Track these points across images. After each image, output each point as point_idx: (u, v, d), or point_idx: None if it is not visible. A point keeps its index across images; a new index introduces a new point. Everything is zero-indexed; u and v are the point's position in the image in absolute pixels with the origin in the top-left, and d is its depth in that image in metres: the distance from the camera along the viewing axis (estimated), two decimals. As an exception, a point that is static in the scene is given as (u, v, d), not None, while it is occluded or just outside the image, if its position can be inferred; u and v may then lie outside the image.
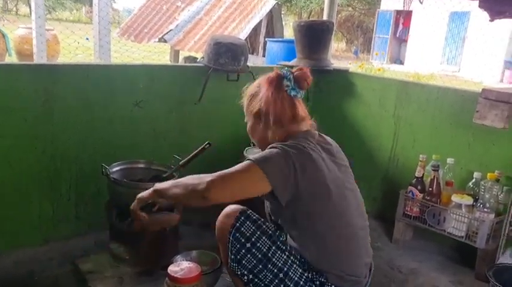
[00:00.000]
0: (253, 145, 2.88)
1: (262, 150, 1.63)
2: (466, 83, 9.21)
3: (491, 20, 2.34)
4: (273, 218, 1.73)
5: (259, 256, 1.57)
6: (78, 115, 2.48)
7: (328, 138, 1.74)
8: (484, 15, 2.36)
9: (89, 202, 2.61)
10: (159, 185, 1.72)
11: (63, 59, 9.11)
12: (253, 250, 1.57)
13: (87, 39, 8.69)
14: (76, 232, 2.60)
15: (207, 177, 1.51)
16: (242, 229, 1.59)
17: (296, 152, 1.54)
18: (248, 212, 1.63)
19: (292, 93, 1.64)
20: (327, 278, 1.58)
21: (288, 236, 1.71)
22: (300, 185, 1.52)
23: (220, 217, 1.66)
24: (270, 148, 1.58)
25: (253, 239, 1.57)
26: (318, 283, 1.59)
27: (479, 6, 2.26)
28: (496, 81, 13.96)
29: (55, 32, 9.06)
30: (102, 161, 2.39)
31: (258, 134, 1.72)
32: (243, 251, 1.57)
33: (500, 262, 2.28)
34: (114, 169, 2.33)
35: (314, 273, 1.60)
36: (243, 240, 1.58)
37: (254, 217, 1.62)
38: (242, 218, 1.60)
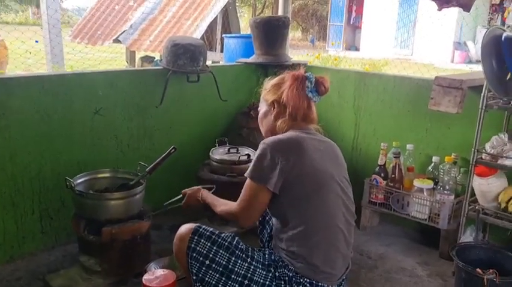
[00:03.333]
0: (218, 145, 2.89)
1: (267, 137, 1.79)
2: (417, 66, 9.48)
3: (439, 9, 2.44)
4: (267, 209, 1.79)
5: (221, 269, 1.61)
6: (36, 128, 2.40)
7: (328, 139, 1.83)
8: (432, 4, 2.46)
9: (54, 216, 2.55)
10: (207, 199, 1.99)
11: (13, 65, 8.73)
12: (214, 266, 1.61)
13: (37, 42, 8.36)
14: (43, 247, 2.54)
15: (234, 215, 1.75)
16: (198, 248, 1.64)
17: (283, 144, 1.66)
18: (201, 229, 1.68)
19: (310, 95, 1.75)
20: (299, 269, 1.62)
21: (274, 228, 1.77)
22: (288, 173, 1.61)
23: (175, 241, 1.72)
24: (259, 148, 1.69)
25: (211, 255, 1.62)
26: (287, 278, 1.63)
27: (428, -3, 2.34)
28: (447, 62, 14.49)
29: (2, 38, 8.66)
30: (65, 173, 2.33)
31: (267, 121, 1.84)
32: (204, 268, 1.61)
33: (462, 241, 2.40)
34: (79, 181, 2.28)
35: (283, 269, 1.64)
36: (201, 258, 1.62)
37: (207, 233, 1.67)
38: (196, 237, 1.65)
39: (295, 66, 3.32)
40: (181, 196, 2.14)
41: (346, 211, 1.70)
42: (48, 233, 2.55)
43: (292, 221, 1.63)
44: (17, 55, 7.73)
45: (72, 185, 2.16)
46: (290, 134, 1.71)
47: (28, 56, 7.80)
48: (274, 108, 1.79)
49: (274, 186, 1.62)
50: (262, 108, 1.87)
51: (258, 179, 1.64)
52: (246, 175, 1.69)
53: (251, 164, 1.69)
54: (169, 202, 2.18)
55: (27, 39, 6.13)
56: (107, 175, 2.44)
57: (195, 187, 2.09)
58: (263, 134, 1.89)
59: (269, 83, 1.85)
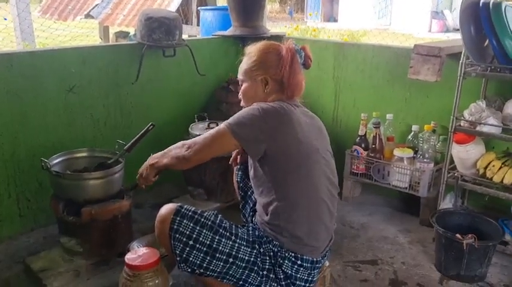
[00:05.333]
0: (198, 120, 2.84)
1: None
2: (395, 35, 9.49)
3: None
4: (251, 182, 1.77)
5: (205, 249, 1.58)
6: (6, 109, 2.31)
7: (312, 113, 1.79)
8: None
9: (32, 198, 2.49)
10: (152, 160, 1.81)
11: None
12: (198, 245, 1.58)
13: (6, 19, 8.03)
14: (22, 230, 2.49)
15: (186, 144, 1.69)
16: (180, 229, 1.59)
17: (275, 111, 1.62)
18: (182, 210, 1.63)
19: (300, 69, 1.73)
20: (283, 244, 1.62)
21: (258, 203, 1.74)
22: (271, 143, 1.59)
23: (156, 223, 1.66)
24: (250, 107, 1.64)
25: (194, 236, 1.59)
26: (271, 253, 1.63)
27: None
28: (425, 32, 14.54)
29: (-33, 16, 8.30)
30: (40, 153, 2.27)
31: (256, 97, 1.73)
32: (188, 249, 1.58)
33: (441, 208, 2.45)
34: (55, 161, 2.22)
35: (267, 245, 1.64)
36: (184, 239, 1.58)
37: (190, 213, 1.62)
38: (178, 218, 1.61)
39: (273, 38, 3.28)
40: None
41: (330, 184, 1.70)
42: (26, 216, 2.50)
43: (277, 192, 1.62)
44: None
45: (48, 166, 2.10)
46: (282, 104, 1.66)
47: (-3, 34, 7.50)
48: (267, 85, 1.70)
49: (250, 148, 1.60)
50: (248, 82, 1.75)
51: (234, 132, 1.59)
52: (223, 123, 1.63)
53: (235, 117, 1.63)
54: (129, 187, 2.14)
55: (-2, 18, 5.88)
56: (84, 154, 2.38)
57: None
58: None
59: (255, 56, 1.73)
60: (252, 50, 1.75)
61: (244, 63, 1.76)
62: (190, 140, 1.71)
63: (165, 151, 1.78)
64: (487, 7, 2.10)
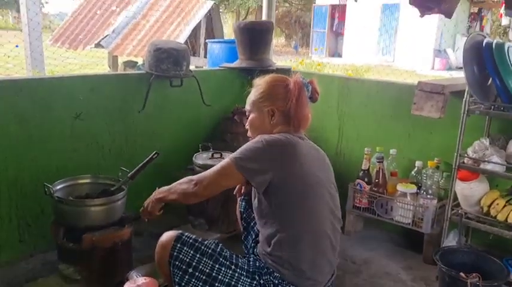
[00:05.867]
0: (202, 150, 2.86)
1: None
2: (398, 72, 9.64)
3: (422, 16, 2.46)
4: (254, 212, 1.77)
5: (204, 277, 1.57)
6: (13, 133, 2.34)
7: (316, 146, 1.80)
8: (415, 10, 2.48)
9: (33, 223, 2.48)
10: (158, 195, 1.81)
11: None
12: (197, 274, 1.57)
13: (17, 46, 8.23)
14: (21, 256, 2.46)
15: (193, 180, 1.69)
16: (180, 256, 1.59)
17: (280, 143, 1.63)
18: (183, 237, 1.63)
19: (307, 102, 1.76)
20: (284, 276, 1.60)
21: (260, 234, 1.73)
22: (276, 174, 1.59)
23: (157, 249, 1.66)
24: (254, 140, 1.66)
25: (194, 264, 1.58)
26: (272, 285, 1.61)
27: (410, 3, 2.37)
28: (428, 69, 14.74)
29: (-20, 42, 8.50)
30: (44, 178, 2.27)
31: (263, 128, 1.75)
32: (187, 277, 1.57)
33: (445, 245, 2.41)
34: (58, 187, 2.22)
35: (268, 276, 1.62)
36: (184, 267, 1.58)
37: (190, 241, 1.62)
38: (178, 245, 1.61)
39: (279, 71, 3.34)
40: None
41: (333, 218, 1.69)
42: (26, 242, 2.48)
43: (281, 224, 1.61)
44: (-4, 59, 7.59)
45: (51, 191, 2.10)
46: (288, 136, 1.67)
47: (7, 60, 7.66)
48: (273, 116, 1.72)
49: (256, 182, 1.60)
50: (255, 113, 1.77)
51: (239, 167, 1.60)
52: (228, 157, 1.64)
53: (239, 150, 1.64)
54: (131, 218, 2.16)
55: (6, 43, 6.02)
56: (88, 180, 2.39)
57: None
58: (252, 138, 1.81)
59: (262, 88, 1.76)
60: (260, 82, 1.78)
61: (252, 95, 1.79)
62: (197, 175, 1.71)
63: (172, 185, 1.78)
64: (490, 47, 2.15)
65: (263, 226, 1.70)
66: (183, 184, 1.73)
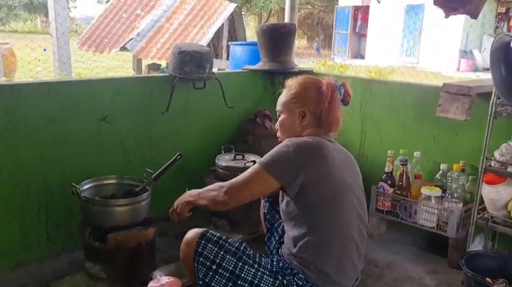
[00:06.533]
0: (224, 152, 2.88)
1: None
2: (423, 73, 9.49)
3: (446, 17, 2.43)
4: (281, 214, 1.77)
5: (227, 274, 1.59)
6: (42, 135, 2.41)
7: (345, 149, 1.79)
8: (439, 11, 2.45)
9: (60, 223, 2.55)
10: (188, 198, 1.82)
11: (21, 72, 8.81)
12: (220, 270, 1.59)
13: (45, 50, 8.47)
14: (48, 254, 2.53)
15: (223, 187, 1.67)
16: (205, 252, 1.61)
17: (309, 146, 1.62)
18: (208, 234, 1.65)
19: (339, 105, 1.75)
20: (309, 278, 1.60)
21: (286, 235, 1.73)
22: (307, 178, 1.58)
23: (182, 246, 1.68)
24: (283, 144, 1.65)
25: (217, 261, 1.60)
26: (295, 286, 1.61)
27: (435, 3, 2.34)
28: (453, 70, 14.47)
29: (11, 46, 8.77)
30: (72, 179, 2.33)
31: (294, 129, 1.74)
32: (210, 273, 1.59)
33: (471, 250, 2.37)
34: (85, 187, 2.28)
35: (291, 277, 1.62)
36: (208, 263, 1.60)
37: (215, 238, 1.64)
38: (203, 242, 1.63)
39: (301, 73, 3.34)
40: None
41: (360, 222, 1.69)
42: (54, 240, 2.55)
43: (309, 227, 1.61)
44: (26, 63, 7.80)
45: (79, 191, 2.15)
46: (316, 138, 1.66)
47: (36, 63, 7.87)
48: (304, 118, 1.71)
49: (288, 185, 1.59)
50: (286, 114, 1.76)
51: (270, 170, 1.60)
52: (258, 161, 1.64)
53: (267, 155, 1.63)
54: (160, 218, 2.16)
55: (36, 47, 6.19)
56: (113, 181, 2.44)
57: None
58: (282, 139, 1.79)
59: (294, 89, 1.75)
60: (292, 83, 1.78)
61: (284, 96, 1.78)
62: (227, 182, 1.69)
63: (202, 190, 1.79)
64: (518, 48, 2.10)
65: (291, 228, 1.69)
66: (213, 190, 1.72)
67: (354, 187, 1.67)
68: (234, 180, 1.68)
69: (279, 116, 1.80)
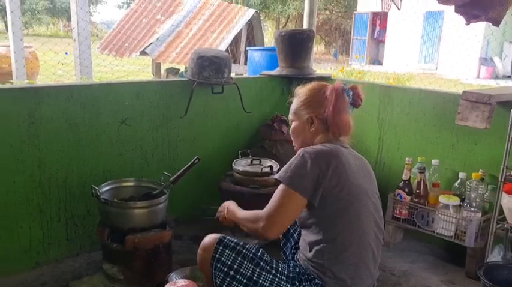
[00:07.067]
0: (241, 156, 2.90)
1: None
2: (442, 80, 9.38)
3: (467, 24, 2.41)
4: (297, 221, 1.76)
5: (245, 281, 1.60)
6: (64, 137, 2.46)
7: (360, 155, 1.79)
8: (460, 18, 2.43)
9: (79, 223, 2.59)
10: (231, 216, 1.87)
11: (43, 75, 9.00)
12: (238, 277, 1.60)
13: (67, 53, 8.64)
14: (68, 254, 2.58)
15: (260, 220, 1.62)
16: (222, 258, 1.62)
17: (324, 153, 1.61)
18: (225, 240, 1.66)
19: (348, 108, 1.73)
20: (326, 284, 1.60)
21: (302, 240, 1.73)
22: (326, 187, 1.57)
23: (199, 251, 1.69)
24: (299, 155, 1.63)
25: (235, 266, 1.61)
26: None
27: (456, 11, 2.32)
28: (473, 78, 14.27)
29: (33, 49, 8.97)
30: (91, 181, 2.38)
31: (304, 136, 1.76)
32: (228, 279, 1.60)
33: (489, 260, 2.33)
34: (104, 189, 2.32)
35: (308, 283, 1.62)
36: (225, 269, 1.61)
37: (232, 244, 1.65)
38: (220, 247, 1.64)
39: (319, 79, 3.34)
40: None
41: (377, 229, 1.68)
42: (73, 240, 2.59)
43: (325, 233, 1.61)
44: (49, 66, 7.97)
45: (98, 193, 2.19)
46: (329, 145, 1.66)
47: (58, 67, 8.03)
48: (313, 124, 1.72)
49: (313, 197, 1.57)
50: (296, 121, 1.78)
51: (296, 186, 1.57)
52: (279, 178, 1.61)
53: (286, 169, 1.61)
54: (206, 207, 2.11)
55: (59, 51, 6.33)
56: (132, 183, 2.48)
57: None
58: (297, 147, 1.80)
59: (303, 96, 1.77)
60: (300, 91, 1.80)
61: (294, 104, 1.81)
62: (263, 214, 1.62)
63: (240, 218, 1.79)
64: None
65: (308, 233, 1.69)
66: (250, 222, 1.69)
67: (370, 193, 1.67)
68: (268, 211, 1.61)
69: (291, 124, 1.82)
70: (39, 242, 2.47)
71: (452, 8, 2.38)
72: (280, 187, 1.62)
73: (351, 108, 1.75)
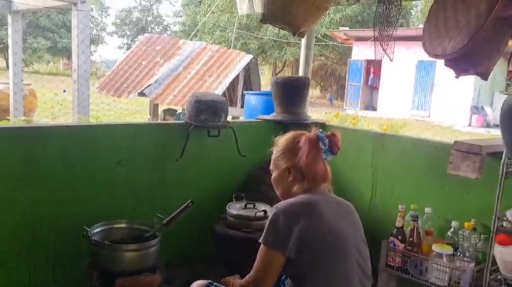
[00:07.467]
0: (235, 200, 2.89)
1: (283, 199, 1.77)
2: (435, 128, 9.54)
3: (457, 77, 2.49)
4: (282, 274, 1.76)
5: None
6: (58, 176, 2.46)
7: (341, 199, 1.81)
8: (450, 71, 2.51)
9: (68, 265, 2.54)
10: None
11: (40, 112, 9.06)
12: None
13: (65, 91, 8.75)
14: (54, 297, 2.51)
15: (249, 285, 1.65)
16: None
17: (296, 208, 1.65)
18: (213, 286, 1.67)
19: (324, 156, 1.75)
20: None
21: None
22: (302, 237, 1.59)
23: None
24: (272, 214, 1.67)
25: None
26: None
27: (445, 64, 2.40)
28: (464, 125, 14.52)
29: (32, 87, 9.09)
30: (83, 221, 2.36)
31: (283, 185, 1.80)
32: None
33: (483, 312, 2.30)
34: (95, 231, 2.30)
35: None
36: None
37: None
38: None
39: (314, 125, 3.40)
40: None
41: (363, 275, 1.67)
42: (60, 283, 2.53)
43: (307, 284, 1.60)
44: (46, 103, 8.05)
45: (89, 234, 2.17)
46: (303, 196, 1.70)
47: (55, 105, 8.12)
48: (290, 173, 1.76)
49: (289, 251, 1.59)
50: (276, 171, 1.83)
51: (272, 245, 1.62)
52: (260, 240, 1.66)
53: (264, 230, 1.67)
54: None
55: (58, 91, 6.45)
56: (123, 225, 2.46)
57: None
58: (279, 196, 1.86)
59: (280, 146, 1.82)
60: (279, 141, 1.85)
61: (273, 153, 1.85)
62: (250, 278, 1.67)
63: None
64: (528, 110, 2.13)
65: (290, 283, 1.70)
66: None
67: (351, 238, 1.67)
68: (253, 274, 1.65)
69: (272, 173, 1.86)
70: (25, 284, 2.41)
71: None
72: (260, 247, 1.65)
73: (329, 155, 1.76)
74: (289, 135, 1.83)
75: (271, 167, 1.87)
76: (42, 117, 8.79)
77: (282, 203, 1.69)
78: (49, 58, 29.75)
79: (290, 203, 1.67)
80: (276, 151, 1.84)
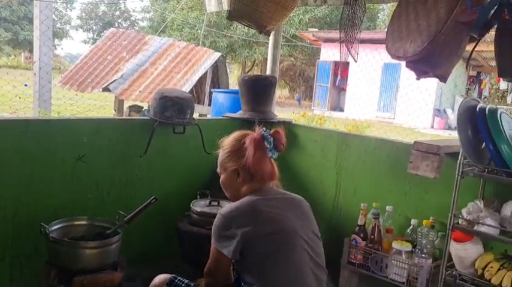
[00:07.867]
0: (200, 197, 2.88)
1: (233, 201, 1.81)
2: (398, 129, 9.80)
3: (418, 79, 2.56)
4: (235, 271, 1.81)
5: None
6: (16, 171, 2.38)
7: (291, 194, 1.84)
8: (412, 73, 2.59)
9: (25, 263, 2.47)
10: None
11: (-1, 107, 8.72)
12: None
13: (26, 85, 8.44)
14: (10, 295, 2.43)
15: (205, 276, 1.75)
16: None
17: (236, 210, 1.68)
18: (176, 281, 1.71)
19: (270, 154, 1.77)
20: None
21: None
22: (246, 238, 1.62)
23: None
24: (216, 217, 1.71)
25: None
26: None
27: (406, 66, 2.47)
28: (427, 127, 14.97)
29: (-9, 80, 8.73)
30: (41, 218, 2.29)
31: (233, 187, 1.81)
32: None
33: (439, 307, 2.38)
34: (54, 227, 2.24)
35: None
36: None
37: (183, 285, 1.71)
38: None
39: (280, 123, 3.42)
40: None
41: (315, 266, 1.70)
42: (17, 281, 2.45)
43: (257, 281, 1.63)
44: (6, 98, 7.76)
45: (47, 231, 2.11)
46: (245, 200, 1.72)
47: (16, 100, 7.84)
48: (239, 175, 1.78)
49: (233, 253, 1.64)
50: (224, 174, 1.84)
51: (218, 245, 1.67)
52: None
53: (211, 231, 1.71)
54: None
55: (18, 84, 6.21)
56: (84, 222, 2.41)
57: None
58: (229, 198, 1.89)
59: (226, 148, 1.83)
60: (225, 143, 1.85)
61: (220, 156, 1.86)
62: (205, 270, 1.76)
63: None
64: (484, 113, 2.22)
65: (244, 279, 1.72)
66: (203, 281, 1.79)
67: (300, 231, 1.70)
68: (207, 267, 1.74)
69: (220, 176, 1.86)
70: (-21, 282, 2.33)
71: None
72: (212, 245, 1.71)
73: (274, 153, 1.78)
74: (233, 136, 1.85)
75: (218, 170, 1.87)
76: (1, 112, 8.46)
77: (224, 209, 1.72)
78: (10, 51, 28.70)
79: (231, 209, 1.70)
80: (222, 153, 1.84)
